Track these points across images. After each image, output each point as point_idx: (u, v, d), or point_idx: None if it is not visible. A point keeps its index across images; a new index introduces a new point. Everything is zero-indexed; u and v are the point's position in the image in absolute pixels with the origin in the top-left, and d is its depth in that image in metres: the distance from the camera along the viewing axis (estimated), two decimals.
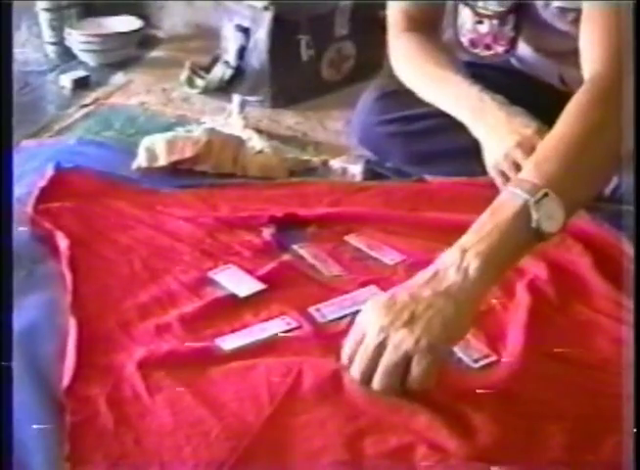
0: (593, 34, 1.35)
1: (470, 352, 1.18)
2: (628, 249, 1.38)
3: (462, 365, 1.16)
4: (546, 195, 1.10)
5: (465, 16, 1.67)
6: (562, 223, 1.12)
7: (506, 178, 1.48)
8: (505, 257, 1.10)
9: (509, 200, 1.11)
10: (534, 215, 1.09)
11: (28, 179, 1.58)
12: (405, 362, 1.04)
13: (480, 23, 1.64)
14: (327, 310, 1.26)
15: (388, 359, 1.04)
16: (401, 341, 1.04)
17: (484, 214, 1.12)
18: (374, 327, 1.06)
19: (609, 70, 1.29)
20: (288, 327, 1.22)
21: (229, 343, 1.18)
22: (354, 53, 2.32)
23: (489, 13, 1.62)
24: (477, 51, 1.68)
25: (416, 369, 1.04)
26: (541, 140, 1.30)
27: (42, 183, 1.56)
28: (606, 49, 1.31)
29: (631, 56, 1.26)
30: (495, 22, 1.62)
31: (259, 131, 1.96)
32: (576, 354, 1.19)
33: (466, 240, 1.10)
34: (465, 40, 1.69)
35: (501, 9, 1.60)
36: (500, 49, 1.65)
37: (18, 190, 1.50)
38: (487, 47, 1.67)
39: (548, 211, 1.10)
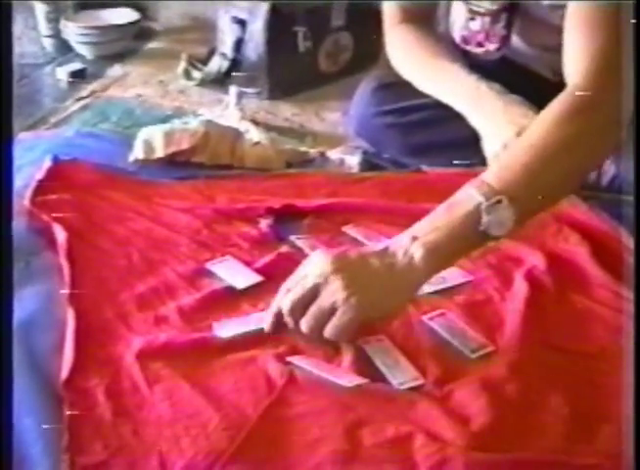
0: (576, 43, 1.32)
1: (467, 342, 1.18)
2: (626, 238, 1.38)
3: (460, 355, 1.17)
4: (500, 201, 1.12)
5: (458, 12, 1.67)
6: (510, 229, 1.14)
7: None
8: (450, 252, 1.14)
9: (465, 199, 1.14)
10: (484, 219, 1.12)
11: (26, 172, 1.58)
12: (331, 312, 1.10)
13: (473, 19, 1.65)
14: None
15: (318, 303, 1.11)
16: (335, 291, 1.09)
17: (441, 206, 1.16)
18: (317, 269, 1.12)
19: (587, 83, 1.26)
20: None
21: (226, 330, 1.19)
22: (351, 44, 2.33)
23: (482, 10, 1.62)
24: (468, 48, 1.68)
25: (336, 321, 1.10)
26: None
27: (39, 175, 1.56)
28: (587, 61, 1.28)
29: (624, 60, 1.26)
30: (487, 19, 1.62)
31: (256, 123, 1.96)
32: (574, 344, 1.19)
33: (418, 228, 1.14)
34: (457, 36, 1.69)
35: (494, 7, 1.60)
36: (492, 47, 1.65)
37: (15, 182, 1.50)
38: (479, 44, 1.67)
39: (499, 216, 1.12)
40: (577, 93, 1.26)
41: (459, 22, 1.67)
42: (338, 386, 1.08)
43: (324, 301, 1.10)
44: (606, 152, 1.35)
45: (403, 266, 1.11)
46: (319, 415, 1.04)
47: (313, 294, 1.11)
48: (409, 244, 1.12)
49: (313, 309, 1.11)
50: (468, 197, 1.14)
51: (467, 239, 1.14)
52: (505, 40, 1.64)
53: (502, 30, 1.62)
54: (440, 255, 1.13)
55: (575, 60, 1.31)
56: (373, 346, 1.17)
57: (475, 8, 1.63)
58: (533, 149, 1.19)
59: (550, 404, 1.07)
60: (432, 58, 1.64)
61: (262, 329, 1.19)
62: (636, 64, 1.37)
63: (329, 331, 1.11)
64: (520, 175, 1.16)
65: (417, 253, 1.11)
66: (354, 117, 1.84)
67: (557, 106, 1.25)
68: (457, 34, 1.69)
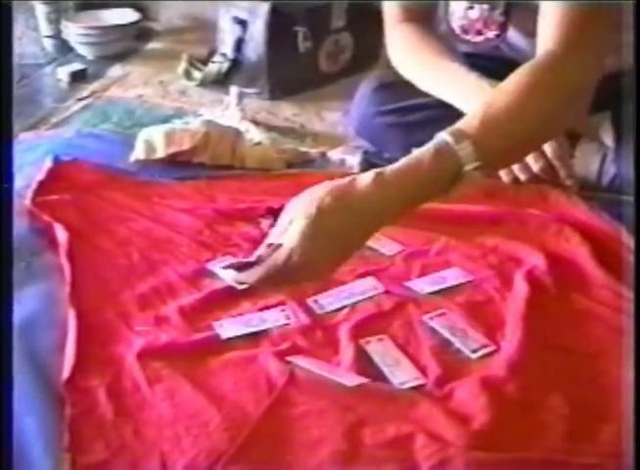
0: (549, 15, 1.34)
1: (468, 341, 1.18)
2: (626, 238, 1.38)
3: (461, 355, 1.17)
4: (477, 168, 1.13)
5: (456, 2, 1.67)
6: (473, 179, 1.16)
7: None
8: (414, 199, 1.13)
9: (449, 158, 1.12)
10: (457, 182, 1.13)
11: (26, 172, 1.59)
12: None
13: (471, 8, 1.65)
14: (325, 302, 1.27)
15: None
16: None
17: (426, 154, 1.12)
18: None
19: (557, 49, 1.29)
20: (286, 321, 1.22)
21: (227, 331, 1.19)
22: (351, 44, 2.32)
23: None
24: (468, 37, 1.69)
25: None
26: None
27: (40, 176, 1.56)
28: (560, 31, 1.30)
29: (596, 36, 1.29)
30: (485, 6, 1.63)
31: (257, 123, 1.96)
32: (574, 344, 1.19)
33: (395, 173, 1.11)
34: (456, 27, 1.69)
35: None
36: (491, 34, 1.66)
37: (16, 183, 1.50)
38: (478, 33, 1.67)
39: (469, 179, 1.13)
40: (547, 57, 1.29)
41: (458, 12, 1.68)
42: (338, 385, 1.08)
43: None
44: (569, 116, 1.35)
45: (369, 200, 1.09)
46: (320, 415, 1.04)
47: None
48: (374, 179, 1.10)
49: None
50: (451, 156, 1.12)
51: (433, 194, 1.14)
52: (503, 27, 1.64)
53: (500, 17, 1.63)
54: (403, 201, 1.12)
55: (547, 30, 1.32)
56: (373, 345, 1.17)
57: None
58: (512, 114, 1.20)
59: (550, 404, 1.07)
60: (432, 57, 1.64)
61: (264, 330, 1.19)
62: (636, 61, 1.38)
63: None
64: (498, 141, 1.16)
65: (380, 194, 1.09)
66: (355, 117, 1.84)
67: (528, 69, 1.27)
68: (456, 25, 1.69)
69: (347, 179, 1.10)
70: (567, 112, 1.29)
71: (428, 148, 1.13)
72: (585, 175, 1.60)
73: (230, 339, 1.18)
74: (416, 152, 1.13)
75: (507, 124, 1.19)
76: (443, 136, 1.13)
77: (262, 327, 1.20)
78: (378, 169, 1.11)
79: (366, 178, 1.10)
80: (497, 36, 1.66)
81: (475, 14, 1.64)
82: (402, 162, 1.12)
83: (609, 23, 1.31)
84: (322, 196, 1.08)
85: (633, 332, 1.13)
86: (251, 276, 1.09)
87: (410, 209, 1.15)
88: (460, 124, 1.16)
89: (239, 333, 1.18)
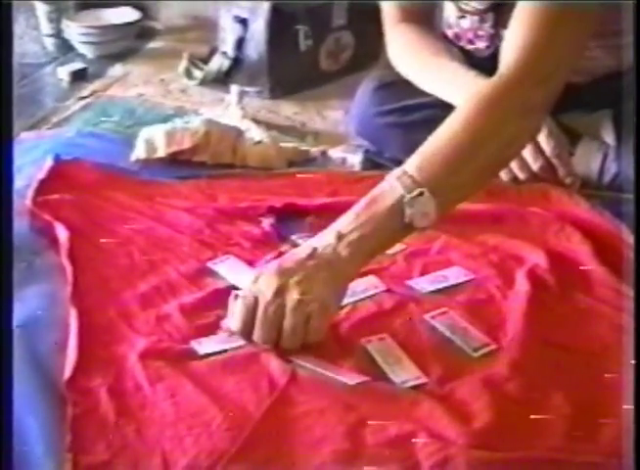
0: (511, 37, 1.33)
1: (469, 340, 1.18)
2: (628, 237, 1.38)
3: (462, 354, 1.17)
4: (421, 194, 1.15)
5: (449, 10, 1.68)
6: (433, 219, 1.18)
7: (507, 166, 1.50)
8: (376, 245, 1.18)
9: (388, 192, 1.17)
10: (408, 211, 1.15)
11: (27, 171, 1.58)
12: (304, 322, 1.11)
13: (463, 18, 1.66)
14: None
15: (290, 322, 1.11)
16: (298, 304, 1.10)
17: (365, 199, 1.18)
18: (269, 292, 1.12)
19: (511, 74, 1.28)
20: None
21: (205, 347, 1.16)
22: (352, 43, 2.32)
23: (470, 9, 1.63)
24: (461, 44, 1.69)
25: (312, 327, 1.12)
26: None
27: (41, 175, 1.56)
28: (516, 53, 1.29)
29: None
30: (476, 18, 1.64)
31: (258, 122, 1.96)
32: (576, 342, 1.19)
33: (344, 224, 1.16)
34: (450, 33, 1.70)
35: (481, 7, 1.61)
36: (481, 45, 1.67)
37: (17, 182, 1.50)
38: (470, 42, 1.68)
39: (422, 208, 1.15)
40: (496, 81, 1.29)
41: (450, 19, 1.69)
42: (340, 384, 1.08)
43: (294, 319, 1.11)
44: (524, 141, 1.37)
45: (335, 262, 1.14)
46: (321, 414, 1.04)
47: (279, 315, 1.12)
48: (335, 243, 1.15)
49: (290, 329, 1.12)
50: (390, 189, 1.16)
51: (392, 231, 1.18)
52: (494, 39, 1.64)
53: (490, 29, 1.63)
54: (366, 250, 1.16)
55: (507, 51, 1.32)
56: (375, 344, 1.17)
57: (463, 6, 1.64)
58: (455, 140, 1.21)
59: (552, 403, 1.07)
60: (431, 56, 1.64)
61: (241, 346, 1.17)
62: (636, 63, 1.37)
63: (312, 338, 1.13)
64: (440, 167, 1.19)
65: (344, 252, 1.14)
66: (355, 116, 1.84)
67: (481, 93, 1.27)
68: (450, 31, 1.70)
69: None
70: (515, 134, 1.28)
71: (385, 204, 1.16)
72: (586, 174, 1.60)
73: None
74: (374, 208, 1.16)
75: (447, 149, 1.20)
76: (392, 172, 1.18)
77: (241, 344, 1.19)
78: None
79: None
80: (487, 47, 1.66)
81: (466, 24, 1.65)
82: (362, 228, 1.15)
83: (576, 36, 1.30)
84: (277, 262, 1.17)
85: (633, 330, 1.13)
86: (232, 323, 1.15)
87: (375, 247, 1.18)
88: (415, 172, 1.18)
89: (216, 350, 1.17)
